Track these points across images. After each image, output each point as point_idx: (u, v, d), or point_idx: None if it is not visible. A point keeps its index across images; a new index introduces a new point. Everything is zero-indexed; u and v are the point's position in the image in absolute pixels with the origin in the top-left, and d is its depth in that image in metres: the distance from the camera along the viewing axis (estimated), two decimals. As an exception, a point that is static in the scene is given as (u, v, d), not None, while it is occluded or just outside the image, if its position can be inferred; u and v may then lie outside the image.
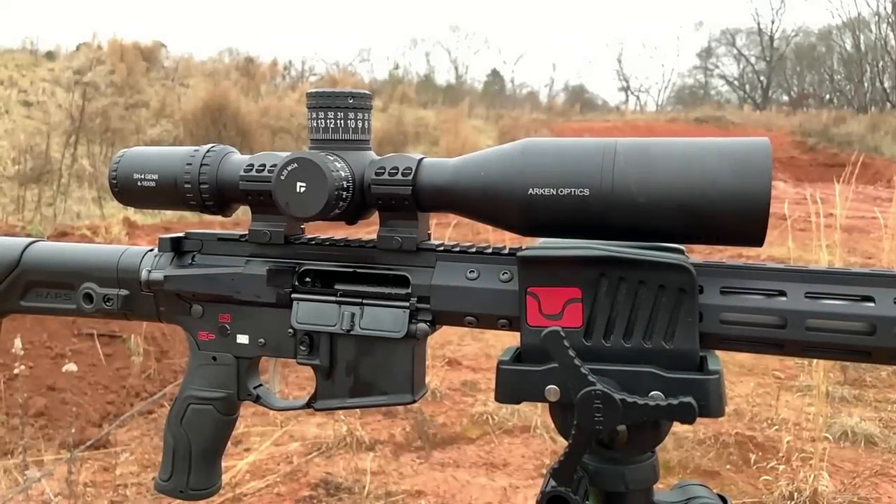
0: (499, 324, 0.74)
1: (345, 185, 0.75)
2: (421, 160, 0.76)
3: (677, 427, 0.75)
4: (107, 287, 0.91)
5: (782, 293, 0.66)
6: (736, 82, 42.07)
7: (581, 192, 0.66)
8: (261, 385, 0.90)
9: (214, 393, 0.88)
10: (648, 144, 0.67)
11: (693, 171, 0.64)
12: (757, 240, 0.64)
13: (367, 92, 0.79)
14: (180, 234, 0.89)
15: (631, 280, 0.67)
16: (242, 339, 0.86)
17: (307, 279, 0.82)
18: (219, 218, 0.97)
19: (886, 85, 34.96)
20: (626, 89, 45.92)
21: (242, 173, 0.81)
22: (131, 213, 8.04)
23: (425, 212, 0.78)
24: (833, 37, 38.28)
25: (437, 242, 0.79)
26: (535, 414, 3.33)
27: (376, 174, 0.76)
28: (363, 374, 0.80)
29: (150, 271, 0.87)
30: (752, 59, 40.90)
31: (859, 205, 8.99)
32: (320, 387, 0.83)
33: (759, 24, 40.33)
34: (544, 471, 2.91)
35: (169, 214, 8.41)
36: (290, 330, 0.82)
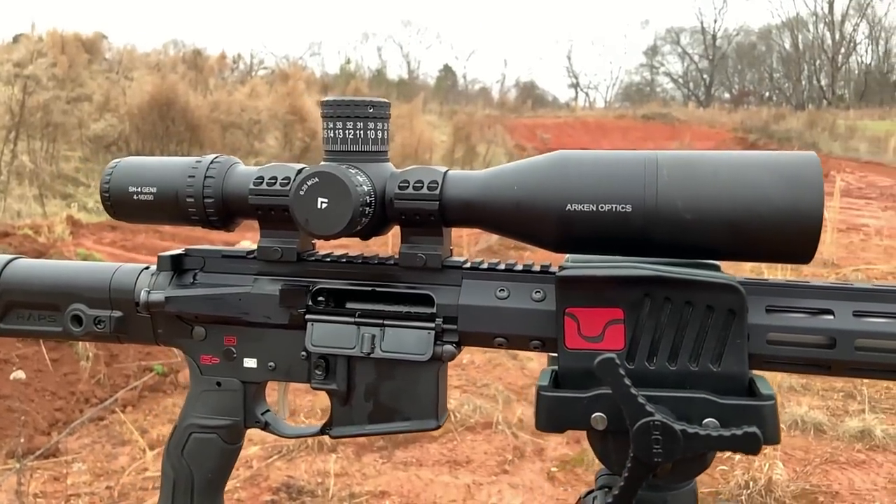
0: (531, 345, 0.71)
1: (367, 201, 0.71)
2: (446, 173, 0.73)
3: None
4: (98, 308, 0.85)
5: (829, 312, 0.64)
6: (680, 80, 43.15)
7: (623, 207, 0.63)
8: (268, 411, 0.85)
9: (219, 421, 0.82)
10: (691, 158, 0.65)
11: (743, 187, 0.62)
12: (806, 257, 0.63)
13: (386, 101, 0.76)
14: (180, 251, 0.84)
15: (677, 301, 0.65)
16: (250, 362, 0.81)
17: (320, 298, 0.78)
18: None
19: (823, 83, 36.33)
20: (575, 86, 46.63)
21: (252, 186, 0.76)
22: (74, 210, 7.76)
23: (450, 227, 0.75)
24: (773, 36, 39.62)
25: (461, 259, 0.76)
26: (497, 410, 3.35)
27: (399, 188, 0.72)
28: (384, 399, 0.76)
29: (149, 292, 0.81)
30: (696, 58, 42.00)
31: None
32: (336, 413, 0.78)
33: (702, 23, 41.47)
34: (507, 467, 2.94)
35: (115, 212, 8.15)
36: (304, 353, 0.78)
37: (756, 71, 41.61)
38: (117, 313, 0.84)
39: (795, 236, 0.62)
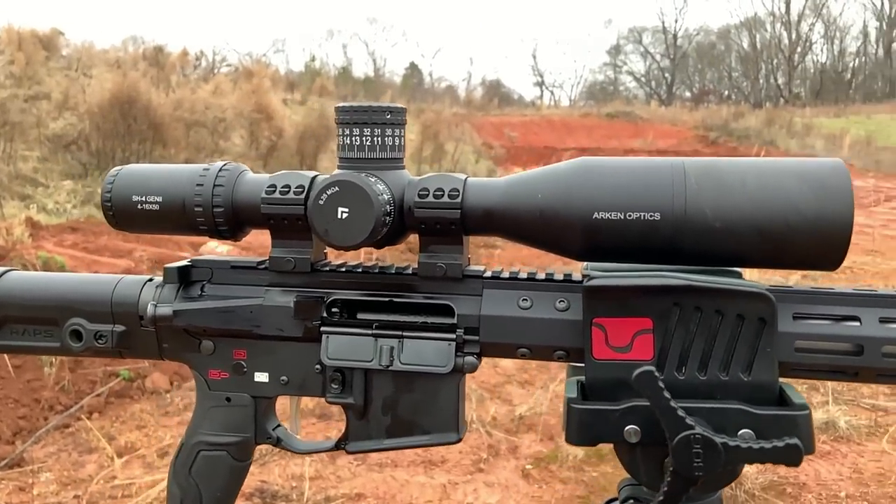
0: (555, 355, 0.70)
1: (388, 210, 0.69)
2: (466, 180, 0.71)
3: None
4: (98, 322, 0.81)
5: (856, 318, 0.64)
6: (643, 79, 43.79)
7: (652, 216, 0.63)
8: (279, 426, 0.83)
9: (228, 437, 0.80)
10: (718, 166, 0.64)
11: (773, 196, 0.61)
12: (835, 264, 0.63)
13: (402, 106, 0.74)
14: (187, 263, 0.81)
15: (707, 310, 0.64)
16: (261, 377, 0.78)
17: (334, 309, 0.76)
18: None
19: (780, 82, 37.20)
20: (540, 84, 46.99)
21: (264, 195, 0.73)
22: (33, 212, 7.55)
23: (469, 235, 0.73)
24: (731, 36, 40.45)
25: (481, 268, 0.74)
26: (471, 409, 3.36)
27: (419, 196, 0.70)
28: (403, 413, 0.74)
29: (156, 305, 0.78)
30: (658, 57, 42.66)
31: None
32: (352, 427, 0.76)
33: (663, 22, 42.15)
34: (482, 466, 2.95)
35: (75, 214, 7.95)
36: (318, 366, 0.76)
37: (716, 70, 42.44)
38: (120, 328, 0.81)
39: (825, 244, 0.61)
